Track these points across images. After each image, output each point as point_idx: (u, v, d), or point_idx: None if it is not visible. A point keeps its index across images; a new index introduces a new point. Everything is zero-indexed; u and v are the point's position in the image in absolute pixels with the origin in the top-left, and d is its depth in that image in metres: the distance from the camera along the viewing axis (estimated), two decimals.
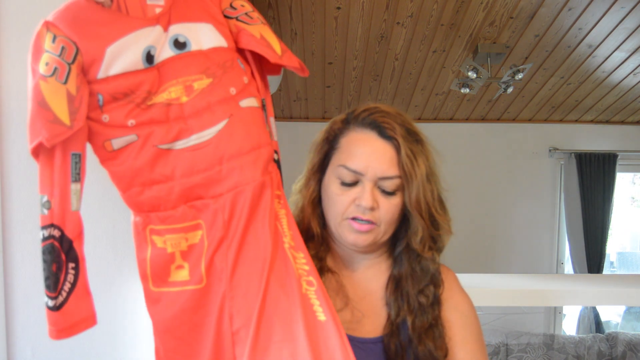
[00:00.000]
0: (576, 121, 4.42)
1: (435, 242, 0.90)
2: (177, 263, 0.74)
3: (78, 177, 0.70)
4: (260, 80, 0.82)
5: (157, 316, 0.76)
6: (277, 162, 0.85)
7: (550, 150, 4.39)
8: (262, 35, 0.78)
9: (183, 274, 0.74)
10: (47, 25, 0.67)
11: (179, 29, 0.74)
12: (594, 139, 4.40)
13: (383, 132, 0.86)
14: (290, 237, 0.79)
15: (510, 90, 3.29)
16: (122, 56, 0.69)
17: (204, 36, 0.75)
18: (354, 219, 0.86)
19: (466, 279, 0.98)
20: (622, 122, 4.42)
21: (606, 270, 4.63)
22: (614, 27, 3.06)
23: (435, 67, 3.55)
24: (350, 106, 4.14)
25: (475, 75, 3.14)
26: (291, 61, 0.79)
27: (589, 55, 3.38)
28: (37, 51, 0.67)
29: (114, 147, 0.71)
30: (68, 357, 1.16)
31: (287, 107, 4.18)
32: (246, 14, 0.79)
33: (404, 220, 0.91)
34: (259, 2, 2.81)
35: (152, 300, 0.76)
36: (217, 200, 0.74)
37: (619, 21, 3.00)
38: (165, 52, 0.72)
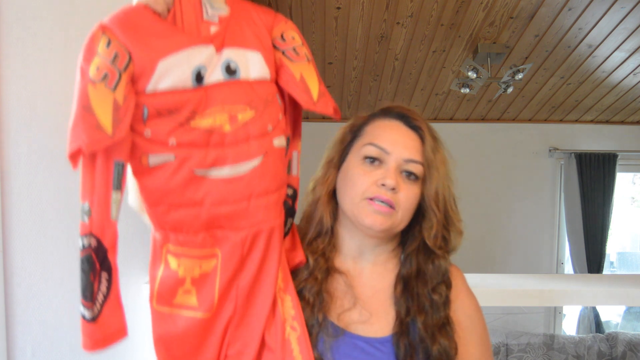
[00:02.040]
0: (576, 121, 4.42)
1: (446, 241, 0.91)
2: (185, 287, 0.74)
3: (119, 185, 0.68)
4: (289, 117, 0.84)
5: (157, 333, 0.76)
6: (295, 196, 0.87)
7: (550, 150, 4.39)
8: (302, 77, 0.79)
9: (191, 300, 0.74)
10: (104, 28, 0.66)
11: (231, 54, 0.73)
12: (594, 139, 4.40)
13: (409, 122, 0.90)
14: (282, 278, 0.81)
15: (510, 90, 3.29)
16: (173, 72, 0.68)
17: (252, 65, 0.75)
18: (372, 199, 0.85)
19: (466, 279, 0.99)
20: (622, 122, 4.42)
21: (606, 270, 4.63)
22: (614, 27, 3.06)
23: (435, 67, 3.55)
24: (350, 106, 4.18)
25: (475, 75, 3.15)
26: (325, 108, 0.80)
27: (589, 55, 3.38)
28: (90, 53, 0.65)
29: (150, 164, 0.70)
30: (68, 357, 1.16)
31: None
32: (294, 48, 0.80)
33: (417, 218, 0.91)
34: (259, 2, 2.81)
35: (154, 317, 0.76)
36: (237, 234, 0.75)
37: (619, 21, 3.00)
38: (215, 75, 0.71)
